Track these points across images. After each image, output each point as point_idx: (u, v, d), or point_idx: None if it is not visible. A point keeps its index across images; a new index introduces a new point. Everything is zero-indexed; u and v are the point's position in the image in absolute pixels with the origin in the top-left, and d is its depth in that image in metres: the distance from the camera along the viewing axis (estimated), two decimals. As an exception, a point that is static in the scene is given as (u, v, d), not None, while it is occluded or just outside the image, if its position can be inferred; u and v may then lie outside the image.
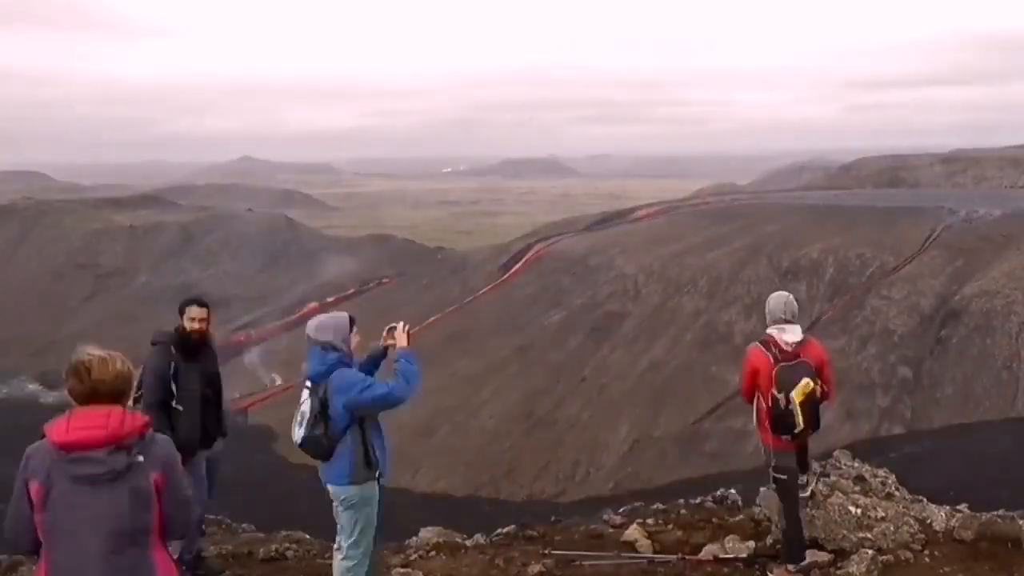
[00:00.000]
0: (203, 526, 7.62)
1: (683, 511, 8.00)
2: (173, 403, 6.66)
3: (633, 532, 7.40)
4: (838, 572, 6.32)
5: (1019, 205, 68.73)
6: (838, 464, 7.46)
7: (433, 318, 68.75)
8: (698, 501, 8.26)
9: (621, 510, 8.34)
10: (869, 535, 6.60)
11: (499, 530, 8.11)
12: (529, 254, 75.66)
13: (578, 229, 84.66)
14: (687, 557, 6.80)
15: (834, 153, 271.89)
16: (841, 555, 6.51)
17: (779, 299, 6.64)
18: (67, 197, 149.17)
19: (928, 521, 6.95)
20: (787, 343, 6.35)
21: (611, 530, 7.77)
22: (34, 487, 3.66)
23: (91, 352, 3.75)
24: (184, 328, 6.97)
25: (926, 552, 6.56)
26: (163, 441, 3.75)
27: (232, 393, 64.45)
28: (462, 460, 48.55)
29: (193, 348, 6.93)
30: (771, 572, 6.49)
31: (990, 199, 76.28)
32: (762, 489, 7.46)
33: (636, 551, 7.10)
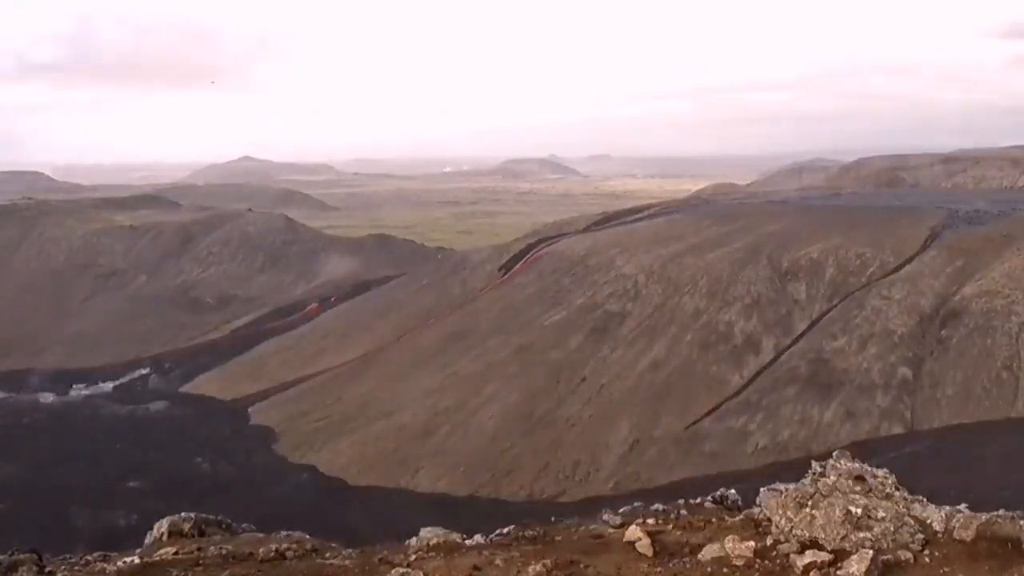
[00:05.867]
0: None
1: (683, 511, 8.00)
2: None
3: (633, 532, 7.39)
4: (838, 572, 6.31)
5: (1019, 205, 68.77)
6: (838, 464, 7.45)
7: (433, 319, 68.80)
8: (698, 501, 8.25)
9: (621, 510, 8.32)
10: (869, 535, 6.59)
11: (499, 530, 8.10)
12: (529, 255, 75.67)
13: (578, 229, 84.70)
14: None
15: (834, 153, 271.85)
16: (841, 555, 6.50)
17: None
18: (67, 197, 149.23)
19: (928, 521, 6.93)
20: None
21: (611, 530, 7.77)
22: None
23: None
24: None
25: (926, 552, 6.55)
26: None
27: (239, 389, 64.45)
28: (462, 460, 48.56)
29: None
30: None
31: (990, 199, 76.32)
32: (762, 489, 7.46)
33: (636, 551, 7.10)
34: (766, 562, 6.68)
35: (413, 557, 7.43)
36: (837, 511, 6.76)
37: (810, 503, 6.92)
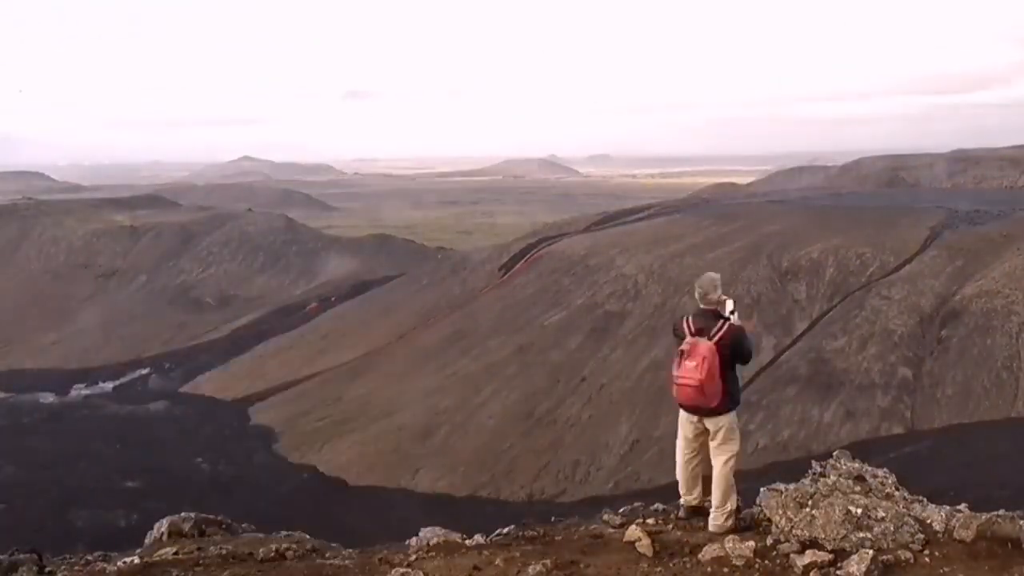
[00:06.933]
0: None
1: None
2: None
3: (633, 532, 7.39)
4: (838, 572, 6.31)
5: (1019, 205, 68.77)
6: (838, 464, 7.45)
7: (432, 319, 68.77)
8: (698, 501, 8.24)
9: (621, 510, 8.32)
10: (869, 535, 6.59)
11: (499, 530, 8.10)
12: (529, 255, 75.68)
13: (578, 229, 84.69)
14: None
15: (834, 153, 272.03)
16: (841, 555, 6.50)
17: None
18: (67, 197, 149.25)
19: (928, 521, 6.94)
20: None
21: (611, 530, 7.77)
22: None
23: None
24: None
25: (926, 552, 6.55)
26: None
27: (239, 389, 64.45)
28: (462, 460, 48.55)
29: None
30: None
31: (990, 199, 76.32)
32: (762, 489, 7.46)
33: (636, 551, 7.10)
34: (766, 562, 6.69)
35: (413, 557, 7.43)
36: (837, 511, 6.76)
37: (810, 503, 6.93)
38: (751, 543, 6.88)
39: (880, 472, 7.44)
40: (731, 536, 7.10)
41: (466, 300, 70.91)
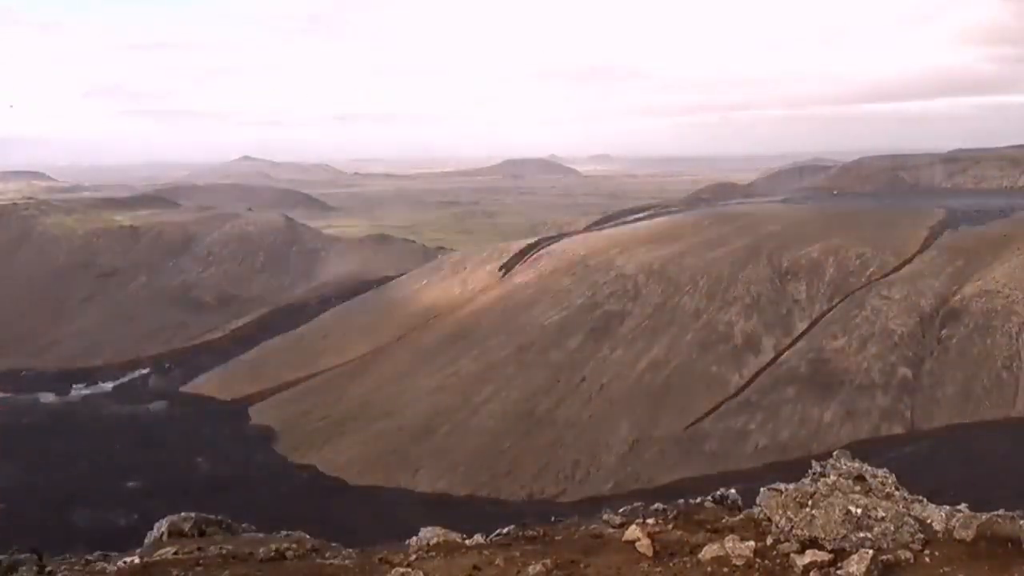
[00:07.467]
0: None
1: (683, 511, 7.99)
2: None
3: (633, 532, 7.39)
4: (838, 572, 6.31)
5: (1019, 205, 68.82)
6: (838, 464, 7.45)
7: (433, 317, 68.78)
8: (698, 501, 8.24)
9: (621, 510, 8.32)
10: (869, 535, 6.59)
11: (499, 530, 8.10)
12: (529, 255, 75.68)
13: (578, 229, 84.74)
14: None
15: (834, 153, 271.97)
16: (841, 555, 6.50)
17: None
18: (67, 197, 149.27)
19: (928, 521, 6.93)
20: None
21: (611, 530, 7.76)
22: None
23: None
24: None
25: (926, 552, 6.55)
26: None
27: (239, 389, 64.46)
28: (462, 460, 48.56)
29: None
30: None
31: (990, 199, 76.39)
32: (762, 489, 7.46)
33: (636, 551, 7.10)
34: (766, 562, 6.69)
35: (413, 557, 7.43)
36: (837, 511, 6.76)
37: (810, 503, 6.93)
38: (751, 543, 6.88)
39: (880, 472, 7.43)
40: (731, 536, 7.10)
41: (466, 300, 70.89)
